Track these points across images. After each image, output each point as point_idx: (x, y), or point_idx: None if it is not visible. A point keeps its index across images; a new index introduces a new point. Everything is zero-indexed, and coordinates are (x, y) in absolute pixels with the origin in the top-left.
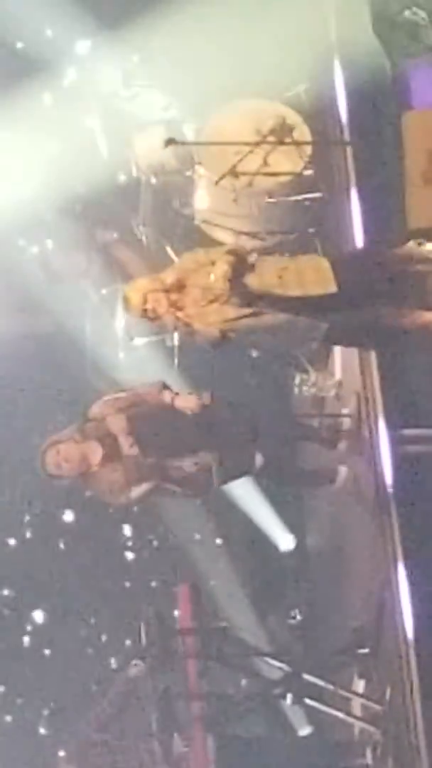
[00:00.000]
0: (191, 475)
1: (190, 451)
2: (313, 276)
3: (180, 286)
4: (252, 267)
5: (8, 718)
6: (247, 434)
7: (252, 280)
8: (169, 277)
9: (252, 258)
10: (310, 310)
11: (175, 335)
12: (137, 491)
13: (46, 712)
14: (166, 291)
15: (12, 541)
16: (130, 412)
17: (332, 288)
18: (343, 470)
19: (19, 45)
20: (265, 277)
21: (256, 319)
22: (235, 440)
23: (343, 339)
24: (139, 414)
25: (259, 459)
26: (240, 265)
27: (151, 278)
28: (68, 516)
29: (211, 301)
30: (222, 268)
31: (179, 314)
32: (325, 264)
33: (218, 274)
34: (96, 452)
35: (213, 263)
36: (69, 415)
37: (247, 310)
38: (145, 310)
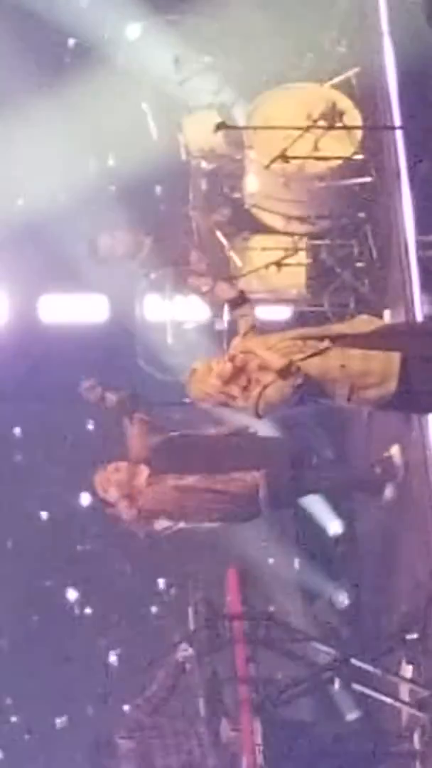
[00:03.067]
0: (237, 496)
1: (235, 470)
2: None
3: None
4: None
5: (60, 699)
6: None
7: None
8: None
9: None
10: (376, 344)
11: (225, 318)
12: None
13: (97, 693)
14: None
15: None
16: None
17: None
18: (390, 488)
19: (71, 30)
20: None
21: (325, 357)
22: (283, 462)
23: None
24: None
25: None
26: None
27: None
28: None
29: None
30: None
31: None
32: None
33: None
34: (143, 473)
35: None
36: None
37: (312, 349)
38: (210, 368)
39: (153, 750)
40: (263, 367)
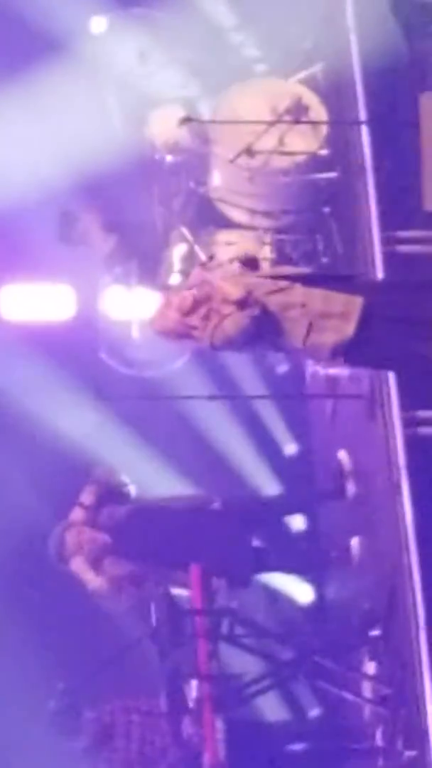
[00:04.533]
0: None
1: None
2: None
3: (206, 298)
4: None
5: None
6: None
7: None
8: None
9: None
10: (344, 286)
11: None
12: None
13: (58, 688)
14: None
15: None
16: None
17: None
18: (351, 486)
19: (35, 22)
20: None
21: (287, 294)
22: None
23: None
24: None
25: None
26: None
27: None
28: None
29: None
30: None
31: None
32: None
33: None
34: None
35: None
36: (81, 395)
37: (277, 285)
38: (170, 302)
39: (116, 731)
40: (224, 300)
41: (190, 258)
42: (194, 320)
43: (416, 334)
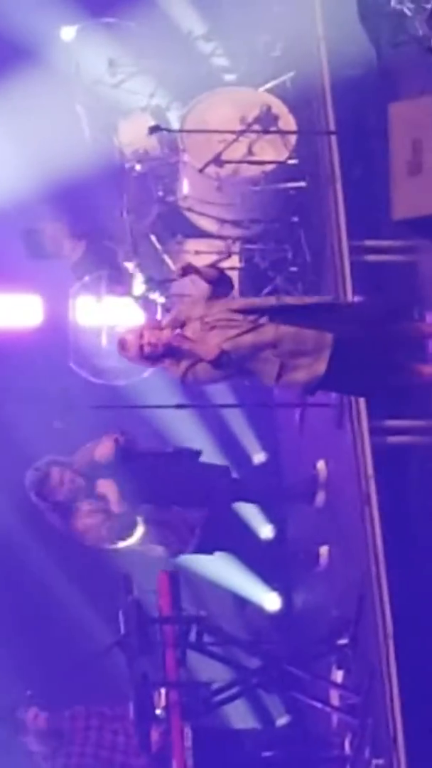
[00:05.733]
0: (173, 527)
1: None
2: None
3: (179, 324)
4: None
5: None
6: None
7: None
8: (166, 319)
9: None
10: (314, 320)
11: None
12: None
13: (26, 695)
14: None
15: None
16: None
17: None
18: (321, 494)
19: (4, 30)
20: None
21: (259, 333)
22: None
23: (349, 361)
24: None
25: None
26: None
27: (147, 321)
28: None
29: (212, 328)
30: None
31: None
32: None
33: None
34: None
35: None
36: (51, 403)
37: (248, 324)
38: (141, 347)
39: (74, 737)
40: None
41: (158, 267)
42: (165, 362)
43: (386, 362)
